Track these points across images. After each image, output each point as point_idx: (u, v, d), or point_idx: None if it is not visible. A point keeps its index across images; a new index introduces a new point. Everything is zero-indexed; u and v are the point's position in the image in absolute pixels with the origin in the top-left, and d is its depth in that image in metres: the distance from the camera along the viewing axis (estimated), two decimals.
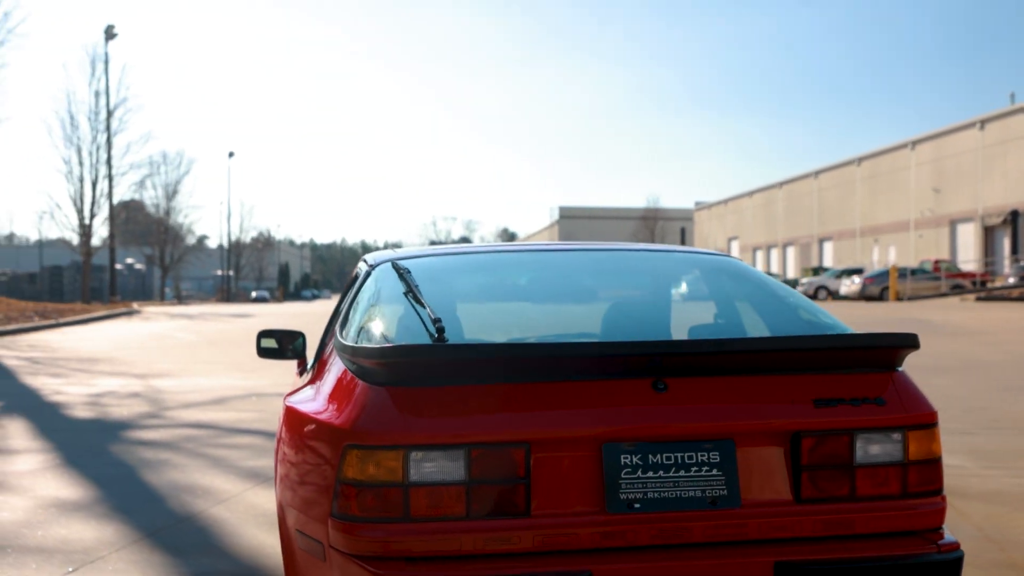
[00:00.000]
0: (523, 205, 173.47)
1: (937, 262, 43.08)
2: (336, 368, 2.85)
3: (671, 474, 2.50)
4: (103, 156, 40.56)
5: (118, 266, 67.09)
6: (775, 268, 70.97)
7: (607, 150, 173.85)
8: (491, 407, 2.48)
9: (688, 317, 3.47)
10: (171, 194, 65.93)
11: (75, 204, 40.55)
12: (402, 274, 3.11)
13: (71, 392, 11.02)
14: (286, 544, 2.92)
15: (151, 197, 65.08)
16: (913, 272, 40.94)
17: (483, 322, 3.28)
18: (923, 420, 2.62)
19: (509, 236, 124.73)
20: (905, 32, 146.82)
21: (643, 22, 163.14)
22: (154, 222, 66.16)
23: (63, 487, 6.11)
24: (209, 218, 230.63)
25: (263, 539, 4.89)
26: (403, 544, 2.41)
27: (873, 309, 30.89)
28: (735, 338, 2.78)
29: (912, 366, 13.39)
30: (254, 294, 79.35)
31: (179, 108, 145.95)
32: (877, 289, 39.57)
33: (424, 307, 2.82)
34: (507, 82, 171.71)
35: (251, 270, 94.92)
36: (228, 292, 71.23)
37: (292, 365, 5.01)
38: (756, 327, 3.24)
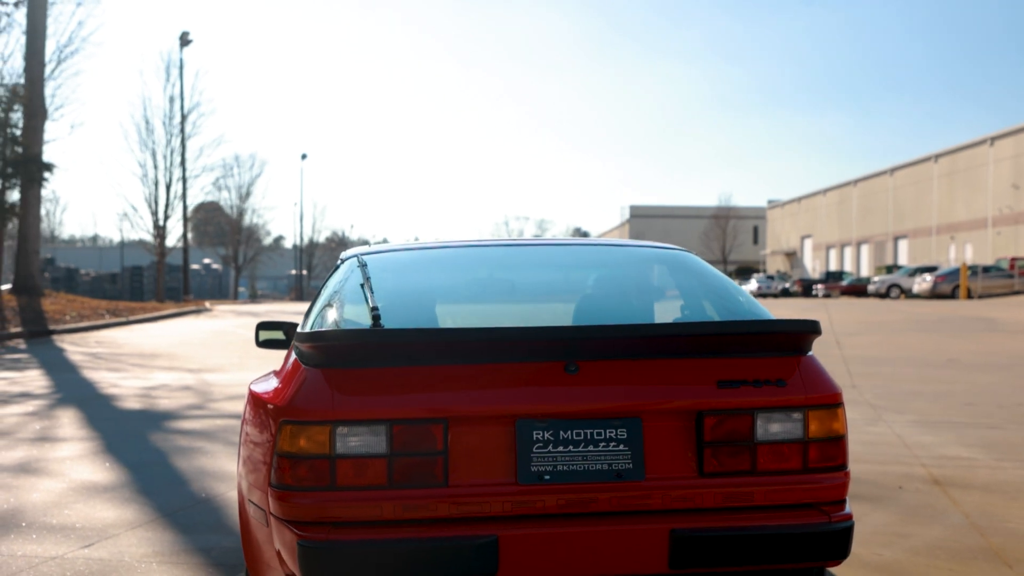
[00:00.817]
0: (595, 204, 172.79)
1: (1014, 259, 42.11)
2: (293, 355, 3.08)
3: (580, 449, 2.67)
4: (177, 159, 41.53)
5: (195, 266, 68.68)
6: (849, 267, 69.86)
7: (679, 148, 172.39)
8: (413, 386, 2.69)
9: (637, 306, 3.63)
10: (244, 195, 67.40)
11: (150, 206, 41.66)
12: (361, 268, 3.34)
13: (125, 385, 11.48)
14: (243, 516, 3.16)
15: (225, 199, 66.60)
16: (985, 270, 40.16)
17: (428, 310, 3.47)
18: (825, 401, 2.76)
19: (581, 235, 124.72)
20: (978, 27, 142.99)
21: (713, 20, 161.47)
22: (228, 223, 67.62)
23: (97, 472, 6.45)
24: (283, 219, 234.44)
25: None
26: (330, 510, 2.63)
27: (937, 307, 30.37)
28: (642, 323, 2.93)
29: (957, 363, 13.17)
30: None
31: (251, 111, 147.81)
32: (948, 287, 38.93)
33: (368, 296, 3.04)
34: (578, 81, 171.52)
35: (324, 269, 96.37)
36: (300, 291, 72.42)
37: None
38: (698, 314, 3.40)
